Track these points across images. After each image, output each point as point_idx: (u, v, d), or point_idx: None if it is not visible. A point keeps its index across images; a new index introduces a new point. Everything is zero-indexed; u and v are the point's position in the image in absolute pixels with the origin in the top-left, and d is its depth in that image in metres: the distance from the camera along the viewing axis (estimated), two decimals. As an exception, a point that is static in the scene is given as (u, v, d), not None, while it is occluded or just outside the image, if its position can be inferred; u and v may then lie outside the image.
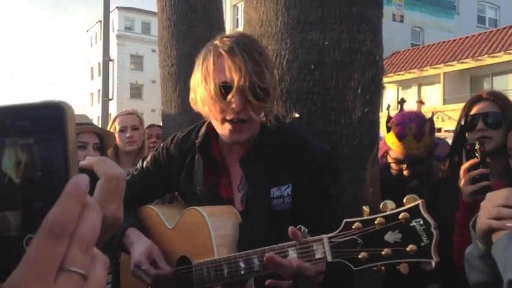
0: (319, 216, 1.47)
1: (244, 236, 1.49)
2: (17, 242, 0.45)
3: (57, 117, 0.45)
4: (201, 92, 1.50)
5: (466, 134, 2.07)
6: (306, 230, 1.30)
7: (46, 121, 0.45)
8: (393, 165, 2.41)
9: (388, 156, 2.42)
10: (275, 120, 1.60)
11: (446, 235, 1.87)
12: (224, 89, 1.45)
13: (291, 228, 1.27)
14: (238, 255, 1.38)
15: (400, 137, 2.34)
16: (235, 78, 1.43)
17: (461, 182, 1.77)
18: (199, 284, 1.47)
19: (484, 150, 1.74)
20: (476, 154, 1.73)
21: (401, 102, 2.54)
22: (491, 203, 1.22)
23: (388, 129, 2.40)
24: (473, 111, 2.06)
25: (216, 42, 1.51)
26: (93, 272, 0.44)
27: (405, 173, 2.37)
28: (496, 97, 2.07)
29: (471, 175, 1.73)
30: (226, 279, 1.39)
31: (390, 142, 2.39)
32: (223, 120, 1.50)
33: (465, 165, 1.76)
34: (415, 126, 2.32)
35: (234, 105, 1.45)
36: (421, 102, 2.55)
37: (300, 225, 1.30)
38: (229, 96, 1.44)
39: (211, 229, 1.45)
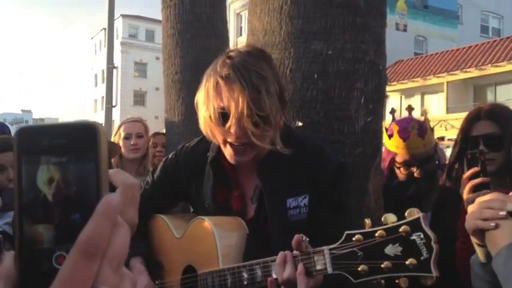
0: (329, 226, 1.48)
1: (251, 246, 1.49)
2: (48, 256, 0.45)
3: (91, 136, 0.46)
4: (202, 114, 1.50)
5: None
6: (307, 240, 1.31)
7: (80, 140, 0.46)
8: (402, 170, 2.39)
9: (395, 163, 2.42)
10: (288, 130, 1.60)
11: (450, 244, 1.88)
12: (222, 115, 1.44)
13: (296, 237, 1.27)
14: (241, 265, 1.38)
15: (404, 138, 2.34)
16: (232, 107, 1.41)
17: (463, 191, 1.78)
18: None
19: (484, 159, 1.75)
20: (477, 163, 1.75)
21: (410, 109, 2.56)
22: (478, 205, 1.26)
23: (390, 136, 2.41)
24: (474, 132, 2.05)
25: (219, 64, 1.48)
26: None
27: (416, 174, 2.36)
28: (496, 115, 2.04)
29: (472, 184, 1.74)
30: None
31: (394, 147, 2.39)
32: (225, 142, 1.50)
33: (466, 174, 1.77)
34: (416, 125, 2.34)
35: (232, 132, 1.44)
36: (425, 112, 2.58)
37: (301, 234, 1.30)
38: (227, 124, 1.43)
39: (217, 239, 1.45)
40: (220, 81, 1.43)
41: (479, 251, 1.30)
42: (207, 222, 1.49)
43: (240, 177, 1.63)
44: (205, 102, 1.48)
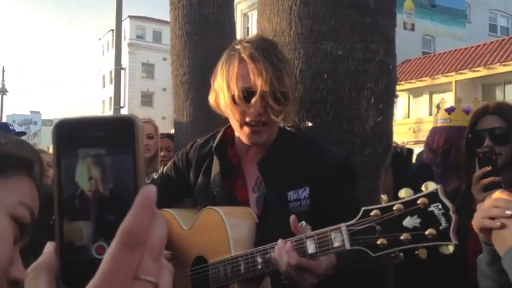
0: (337, 217, 1.48)
1: (261, 237, 1.50)
2: (87, 251, 0.46)
3: (129, 130, 0.46)
4: (224, 95, 1.55)
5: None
6: (309, 226, 1.32)
7: (118, 133, 0.46)
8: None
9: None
10: (293, 128, 1.64)
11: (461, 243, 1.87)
12: (247, 93, 1.51)
13: (292, 217, 1.31)
14: (255, 250, 1.40)
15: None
16: (258, 83, 1.48)
17: (474, 190, 1.77)
18: (216, 283, 1.48)
19: (496, 158, 1.74)
20: (489, 162, 1.74)
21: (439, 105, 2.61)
22: (486, 203, 1.27)
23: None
24: (480, 126, 2.04)
25: (238, 47, 1.56)
26: (162, 280, 0.45)
27: None
28: (503, 111, 2.05)
29: (483, 183, 1.73)
30: (243, 276, 1.40)
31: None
32: (243, 123, 1.56)
33: (477, 173, 1.77)
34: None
35: (255, 109, 1.51)
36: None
37: (302, 221, 1.33)
38: (252, 101, 1.50)
39: (229, 228, 1.46)
40: (247, 59, 1.51)
41: (485, 249, 1.30)
42: (217, 212, 1.51)
43: (244, 166, 1.67)
44: (228, 83, 1.54)
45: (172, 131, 4.26)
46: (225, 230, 1.46)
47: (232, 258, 1.43)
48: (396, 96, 2.10)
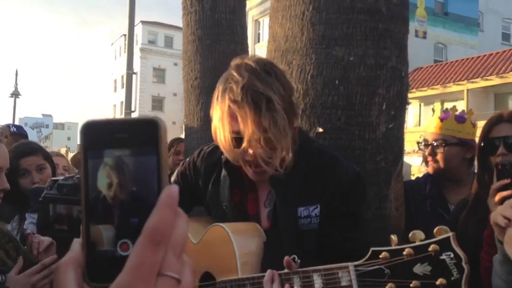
0: (340, 238, 1.47)
1: (269, 254, 1.48)
2: (112, 248, 0.48)
3: (152, 131, 0.48)
4: (220, 133, 1.50)
5: (491, 158, 2.04)
6: (299, 261, 1.30)
7: (142, 134, 0.48)
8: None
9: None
10: (305, 138, 1.60)
11: (473, 252, 1.85)
12: (236, 138, 1.46)
13: (286, 258, 1.28)
14: (262, 275, 1.37)
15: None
16: (245, 130, 1.43)
17: (491, 202, 1.74)
18: None
19: None
20: (508, 175, 1.71)
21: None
22: (509, 203, 1.30)
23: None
24: (494, 133, 2.03)
25: (230, 84, 1.47)
26: (184, 276, 0.46)
27: None
28: None
29: (501, 195, 1.70)
30: None
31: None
32: (245, 161, 1.52)
33: (495, 185, 1.74)
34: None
35: (249, 155, 1.47)
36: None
37: (294, 256, 1.30)
38: (242, 146, 1.45)
39: (236, 247, 1.45)
40: (233, 105, 1.44)
41: (499, 247, 1.31)
42: (225, 229, 1.49)
43: (255, 181, 1.63)
44: (221, 121, 1.48)
45: (182, 136, 4.28)
46: (232, 248, 1.45)
47: (239, 280, 1.41)
48: (408, 103, 2.08)
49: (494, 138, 2.00)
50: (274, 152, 1.45)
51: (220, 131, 1.49)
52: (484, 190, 1.97)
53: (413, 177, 4.79)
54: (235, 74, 1.49)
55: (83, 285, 0.48)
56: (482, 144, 2.05)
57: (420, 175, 2.84)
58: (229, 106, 1.45)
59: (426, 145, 2.55)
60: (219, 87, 1.52)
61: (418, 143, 2.65)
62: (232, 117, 1.45)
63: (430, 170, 2.53)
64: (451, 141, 2.47)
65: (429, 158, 2.52)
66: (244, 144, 1.44)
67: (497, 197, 1.70)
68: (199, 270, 1.58)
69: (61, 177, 1.61)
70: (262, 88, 1.44)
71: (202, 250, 1.59)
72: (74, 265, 0.49)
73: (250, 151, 1.45)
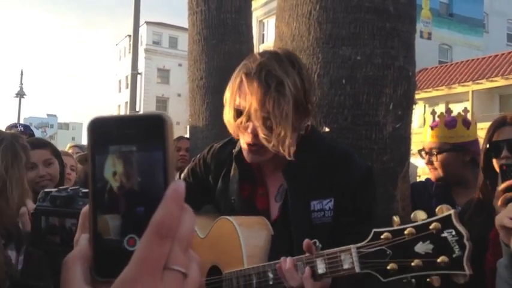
0: (352, 233, 1.46)
1: (276, 247, 1.48)
2: (119, 243, 0.48)
3: (159, 127, 0.48)
4: (226, 111, 1.53)
5: (494, 160, 2.03)
6: (320, 246, 1.30)
7: (149, 130, 0.48)
8: None
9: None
10: (318, 134, 1.60)
11: (479, 253, 1.84)
12: (237, 112, 1.47)
13: (306, 241, 1.28)
14: (267, 265, 1.38)
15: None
16: (247, 103, 1.44)
17: (497, 203, 1.73)
18: None
19: None
20: None
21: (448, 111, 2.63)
22: None
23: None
24: (497, 137, 2.02)
25: (247, 61, 1.51)
26: (190, 270, 0.47)
27: None
28: None
29: (507, 196, 1.69)
30: None
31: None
32: (242, 134, 1.52)
33: (501, 186, 1.73)
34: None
35: (245, 129, 1.47)
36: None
37: (315, 240, 1.30)
38: (238, 120, 1.46)
39: (242, 239, 1.45)
40: (244, 78, 1.46)
41: (504, 251, 1.30)
42: (231, 222, 1.49)
43: (265, 174, 1.63)
44: (227, 99, 1.51)
45: (186, 136, 4.30)
46: (238, 241, 1.45)
47: (244, 271, 1.41)
48: (415, 103, 2.08)
49: (498, 141, 2.00)
50: (271, 132, 1.44)
51: (227, 102, 1.51)
52: (487, 192, 1.96)
53: (419, 179, 4.79)
54: (257, 55, 1.53)
55: (89, 280, 0.48)
56: (487, 146, 2.05)
57: (426, 176, 2.85)
58: (241, 79, 1.47)
59: (425, 153, 2.57)
60: (237, 68, 1.55)
61: (419, 151, 2.66)
62: (241, 90, 1.47)
63: (432, 177, 2.56)
64: (444, 148, 2.47)
65: (428, 167, 2.55)
66: (243, 116, 1.45)
67: (503, 198, 1.69)
68: (207, 264, 1.58)
69: (54, 190, 1.59)
70: (277, 71, 1.44)
71: (209, 244, 1.59)
72: (80, 260, 0.49)
73: (248, 124, 1.45)
